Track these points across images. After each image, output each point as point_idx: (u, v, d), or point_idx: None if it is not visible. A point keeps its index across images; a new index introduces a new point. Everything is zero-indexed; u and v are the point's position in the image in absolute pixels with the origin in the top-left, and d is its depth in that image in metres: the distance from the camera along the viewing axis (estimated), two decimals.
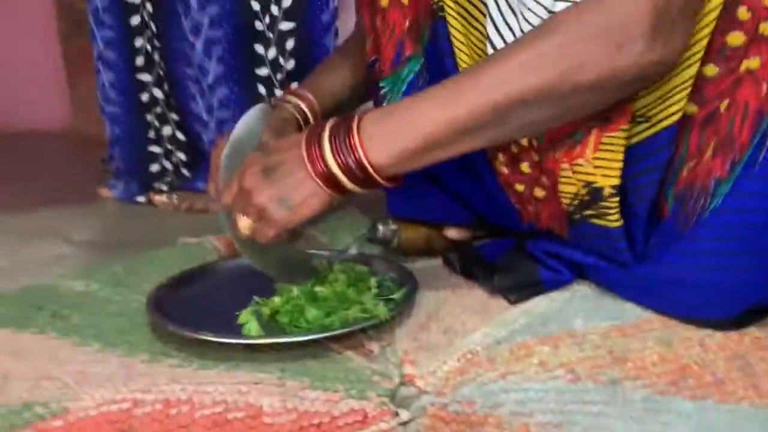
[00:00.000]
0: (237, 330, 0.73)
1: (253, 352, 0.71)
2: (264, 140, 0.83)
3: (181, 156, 1.31)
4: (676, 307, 0.76)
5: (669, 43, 0.65)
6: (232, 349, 0.71)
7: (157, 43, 1.24)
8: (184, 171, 1.32)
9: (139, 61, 1.28)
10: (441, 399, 0.65)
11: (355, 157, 0.69)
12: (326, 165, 0.70)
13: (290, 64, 1.21)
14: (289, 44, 1.20)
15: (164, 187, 1.33)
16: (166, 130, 1.30)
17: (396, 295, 0.78)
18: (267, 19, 1.19)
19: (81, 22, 1.52)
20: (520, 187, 0.85)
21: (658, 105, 0.74)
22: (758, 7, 0.68)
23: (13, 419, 0.61)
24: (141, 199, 1.34)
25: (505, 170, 0.85)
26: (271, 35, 1.19)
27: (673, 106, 0.73)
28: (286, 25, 1.19)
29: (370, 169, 0.69)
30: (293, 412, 0.62)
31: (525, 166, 0.82)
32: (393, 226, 0.93)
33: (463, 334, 0.75)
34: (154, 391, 0.65)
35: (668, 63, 0.67)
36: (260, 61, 1.21)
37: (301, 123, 0.92)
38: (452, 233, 0.96)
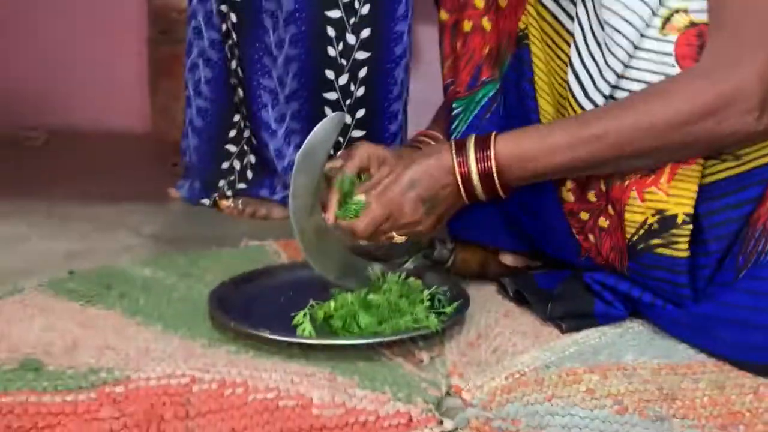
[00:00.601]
0: (292, 330, 0.76)
1: (305, 350, 0.73)
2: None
3: (252, 158, 1.37)
4: (731, 349, 0.75)
5: None
6: (287, 346, 0.74)
7: (236, 51, 1.30)
8: (249, 174, 1.38)
9: (234, 64, 1.34)
10: (486, 413, 0.66)
11: (489, 167, 0.81)
12: (469, 170, 0.81)
13: (360, 91, 1.26)
14: (362, 72, 1.25)
15: (229, 192, 1.39)
16: (246, 133, 1.37)
17: (447, 309, 0.80)
18: (340, 46, 1.25)
19: (170, 30, 1.61)
20: (584, 216, 0.86)
21: (749, 146, 0.75)
22: None
23: (80, 381, 0.65)
24: (206, 201, 1.40)
25: (571, 197, 0.86)
26: (344, 62, 1.24)
27: (761, 149, 0.74)
28: (361, 54, 1.24)
29: (497, 182, 0.81)
30: (341, 407, 0.64)
31: (592, 195, 0.84)
32: (450, 246, 0.95)
33: (512, 355, 0.76)
34: (212, 371, 0.67)
35: None
36: (330, 85, 1.26)
37: None
38: (508, 259, 0.97)
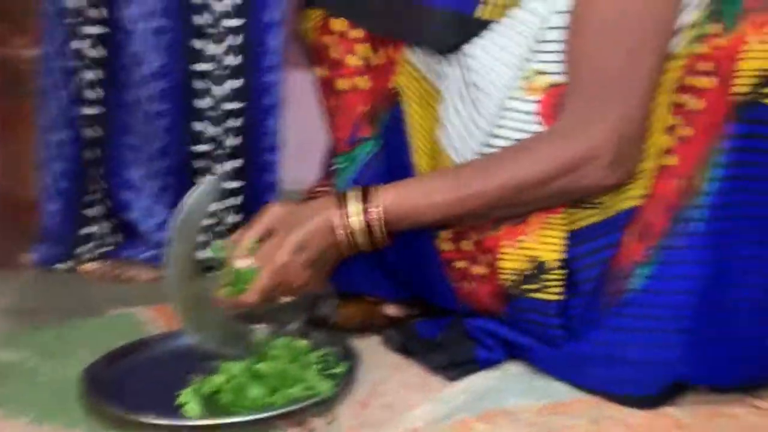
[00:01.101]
0: (177, 410, 0.72)
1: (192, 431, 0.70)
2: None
3: (108, 224, 1.29)
4: (602, 383, 0.81)
5: (626, 168, 0.79)
6: (175, 429, 0.70)
7: (87, 110, 1.24)
8: (110, 239, 1.30)
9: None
10: None
11: (373, 220, 0.81)
12: (352, 223, 0.81)
13: (232, 141, 1.25)
14: (232, 123, 1.23)
15: (89, 255, 1.30)
16: (99, 195, 1.29)
17: (338, 370, 0.79)
18: (208, 100, 1.23)
19: (16, 82, 1.50)
20: (460, 264, 0.89)
21: (608, 195, 0.81)
22: (683, 113, 0.77)
23: None
24: (62, 266, 1.30)
25: (446, 247, 0.90)
26: (212, 114, 1.23)
27: (623, 195, 0.81)
28: (230, 105, 1.23)
29: (382, 233, 0.82)
30: None
31: (467, 244, 0.87)
32: (333, 302, 0.95)
33: (404, 411, 0.77)
34: None
35: (622, 183, 0.80)
36: (197, 138, 1.24)
37: None
38: (391, 310, 0.99)
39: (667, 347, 0.77)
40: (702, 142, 0.76)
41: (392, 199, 0.82)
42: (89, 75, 1.23)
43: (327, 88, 0.95)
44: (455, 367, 0.86)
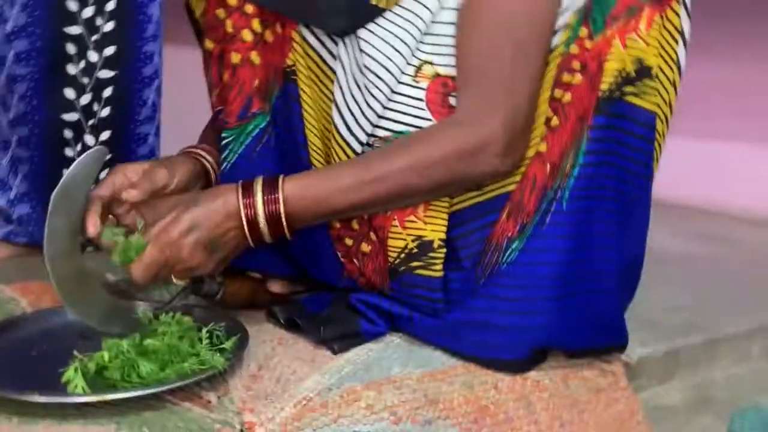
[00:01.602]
0: (60, 388, 0.70)
1: (83, 408, 0.68)
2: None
3: None
4: (475, 348, 0.87)
5: (516, 155, 0.85)
6: (59, 407, 0.68)
7: None
8: None
9: None
10: None
11: (277, 211, 0.83)
12: (256, 214, 0.82)
13: (105, 112, 1.18)
14: (107, 92, 1.17)
15: None
16: None
17: (227, 345, 0.80)
18: (82, 64, 1.16)
19: None
20: (349, 242, 0.93)
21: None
22: (555, 106, 0.86)
23: None
24: None
25: (337, 225, 0.93)
26: (86, 80, 1.16)
27: (502, 180, 0.87)
28: (104, 73, 1.17)
29: (285, 225, 0.84)
30: None
31: (355, 223, 0.91)
32: (219, 279, 0.95)
33: (295, 382, 0.80)
34: None
35: (512, 170, 0.86)
36: (70, 106, 1.17)
37: (212, 177, 0.96)
38: (275, 287, 1.00)
39: (533, 314, 0.85)
40: (568, 132, 0.85)
41: (296, 188, 0.83)
42: None
43: (219, 61, 0.94)
44: (341, 340, 0.89)
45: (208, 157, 0.97)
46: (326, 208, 0.85)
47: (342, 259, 0.95)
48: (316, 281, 1.02)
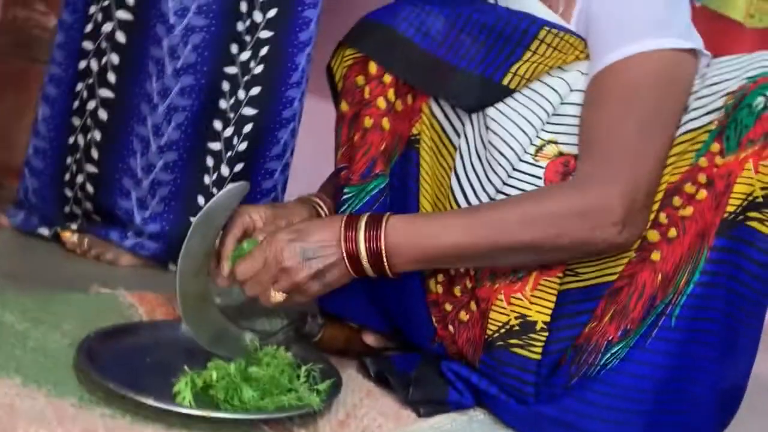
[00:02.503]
0: (169, 395, 0.75)
1: (185, 419, 0.73)
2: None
3: (89, 206, 1.30)
4: None
5: (633, 229, 0.84)
6: (166, 413, 0.73)
7: (101, 92, 1.26)
8: (95, 217, 1.31)
9: (76, 104, 1.29)
10: None
11: (378, 247, 0.84)
12: (357, 248, 0.85)
13: (242, 146, 1.27)
14: (246, 128, 1.27)
15: (74, 226, 1.31)
16: (79, 179, 1.30)
17: (322, 387, 0.83)
18: (232, 101, 1.26)
19: (27, 46, 1.50)
20: (448, 307, 0.95)
21: (588, 266, 0.89)
22: (674, 216, 0.85)
23: None
24: (45, 231, 1.31)
25: (439, 289, 0.95)
26: (232, 115, 1.26)
27: (599, 270, 0.88)
28: (248, 111, 1.27)
29: (386, 261, 0.85)
30: None
31: (458, 290, 0.93)
32: (320, 321, 0.99)
33: None
34: None
35: (631, 244, 0.85)
36: (215, 136, 1.27)
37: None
38: (370, 339, 1.03)
39: (623, 426, 0.84)
40: (686, 247, 0.84)
41: (399, 223, 0.86)
42: (114, 58, 1.25)
43: (351, 123, 1.00)
44: (427, 404, 0.91)
45: (323, 206, 1.02)
46: (427, 245, 0.85)
47: (436, 324, 0.97)
48: (407, 341, 1.05)
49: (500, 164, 0.90)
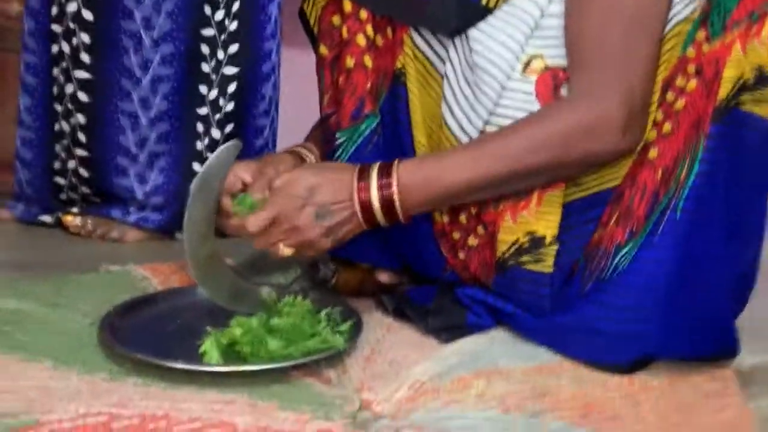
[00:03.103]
0: (197, 357, 0.76)
1: (216, 378, 0.75)
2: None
3: (86, 190, 1.29)
4: (582, 351, 0.88)
5: (636, 134, 0.85)
6: (197, 375, 0.74)
7: (77, 74, 1.23)
8: (94, 199, 1.31)
9: (55, 90, 1.27)
10: (395, 423, 0.72)
11: (390, 194, 0.85)
12: (370, 197, 0.86)
13: (229, 107, 1.26)
14: (231, 88, 1.26)
15: (75, 209, 1.31)
16: (71, 164, 1.29)
17: (344, 328, 0.85)
18: (213, 62, 1.24)
19: (2, 33, 1.47)
20: (456, 235, 0.96)
21: (589, 174, 0.89)
22: (668, 110, 0.85)
23: None
24: (47, 218, 1.31)
25: (444, 220, 0.96)
26: (214, 77, 1.24)
27: (601, 177, 0.88)
28: (229, 70, 1.25)
29: (399, 208, 0.86)
30: (266, 430, 0.66)
31: (463, 217, 0.94)
32: (332, 266, 1.00)
33: (406, 367, 0.83)
34: (129, 406, 0.66)
35: (633, 149, 0.86)
36: (201, 101, 1.25)
37: None
38: (383, 277, 1.04)
39: (642, 323, 0.85)
40: (681, 139, 0.84)
41: (409, 169, 0.86)
42: (84, 38, 1.22)
43: (332, 66, 0.99)
44: (447, 331, 0.92)
45: (311, 155, 1.01)
46: (439, 187, 0.86)
47: (446, 254, 0.98)
48: (419, 274, 1.06)
49: (489, 85, 0.89)
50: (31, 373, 0.72)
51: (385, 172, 0.86)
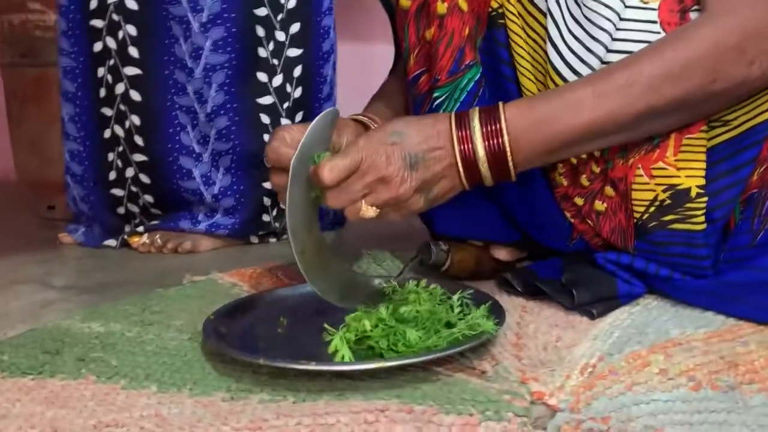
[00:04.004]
0: (324, 358, 0.64)
1: (353, 381, 0.62)
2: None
3: (149, 198, 1.18)
4: (761, 313, 0.74)
5: None
6: (329, 379, 0.62)
7: (127, 71, 1.12)
8: (155, 211, 1.20)
9: (102, 92, 1.15)
10: (576, 416, 0.59)
11: (500, 144, 0.72)
12: (474, 147, 0.72)
13: (297, 92, 1.14)
14: (296, 71, 1.14)
15: (140, 228, 1.20)
16: (129, 172, 1.17)
17: (479, 313, 0.71)
18: (271, 46, 1.13)
19: (32, 51, 1.38)
20: (579, 201, 0.82)
21: (737, 110, 0.75)
22: None
23: None
24: (111, 242, 1.20)
25: (564, 182, 0.83)
26: (276, 62, 1.13)
27: (752, 111, 0.74)
28: (292, 52, 1.13)
29: (510, 159, 0.72)
30: None
31: (584, 179, 0.80)
32: (445, 247, 0.88)
33: (564, 349, 0.70)
34: (265, 426, 0.54)
35: None
36: (264, 89, 1.13)
37: None
38: (501, 254, 0.92)
39: None
40: None
41: (520, 112, 0.72)
42: (131, 30, 1.11)
43: (418, 16, 0.86)
44: (599, 303, 0.79)
45: (372, 123, 0.87)
46: (557, 131, 0.71)
47: (572, 220, 0.84)
48: (540, 246, 0.92)
49: (604, 16, 0.75)
50: (139, 400, 0.61)
51: (490, 118, 0.72)
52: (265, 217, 1.19)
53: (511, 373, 0.65)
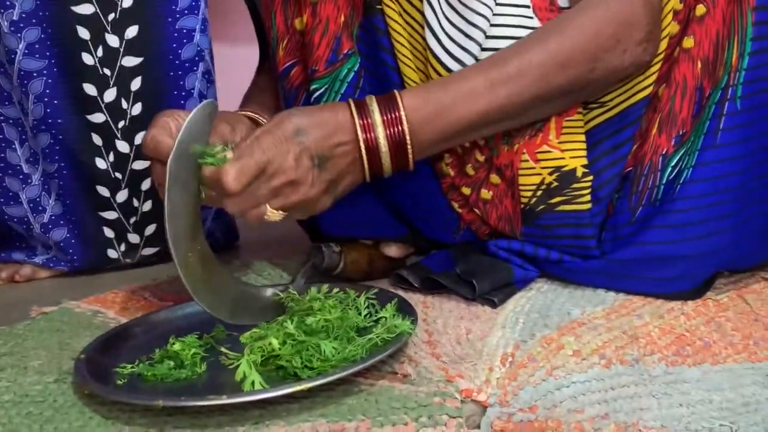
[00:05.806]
0: (230, 388, 0.57)
1: (271, 407, 0.55)
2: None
3: None
4: (654, 285, 0.77)
5: (657, 42, 0.74)
6: (231, 409, 0.54)
7: None
8: None
9: None
10: (506, 410, 0.57)
11: (401, 132, 0.70)
12: (376, 136, 0.70)
13: (136, 109, 0.94)
14: (135, 84, 0.94)
15: None
16: None
17: (388, 313, 0.67)
18: (99, 52, 0.92)
19: None
20: (466, 191, 0.81)
21: (612, 92, 0.77)
22: None
23: None
24: None
25: (451, 172, 0.81)
26: (107, 72, 0.93)
27: (627, 92, 0.77)
28: (130, 61, 0.94)
29: (410, 147, 0.71)
30: None
31: (470, 168, 0.80)
32: (337, 249, 0.83)
33: (479, 341, 0.68)
34: None
35: (652, 58, 0.74)
36: (93, 105, 0.93)
37: None
38: (392, 250, 0.88)
39: (717, 235, 0.75)
40: (719, 20, 0.74)
41: (416, 101, 0.70)
42: None
43: (285, 6, 0.81)
44: (497, 291, 0.78)
45: (262, 119, 0.83)
46: (453, 118, 0.71)
47: (459, 210, 0.83)
48: (428, 239, 0.90)
49: (481, 1, 0.75)
50: None
51: (389, 106, 0.70)
52: (112, 253, 0.99)
53: (434, 372, 0.62)
